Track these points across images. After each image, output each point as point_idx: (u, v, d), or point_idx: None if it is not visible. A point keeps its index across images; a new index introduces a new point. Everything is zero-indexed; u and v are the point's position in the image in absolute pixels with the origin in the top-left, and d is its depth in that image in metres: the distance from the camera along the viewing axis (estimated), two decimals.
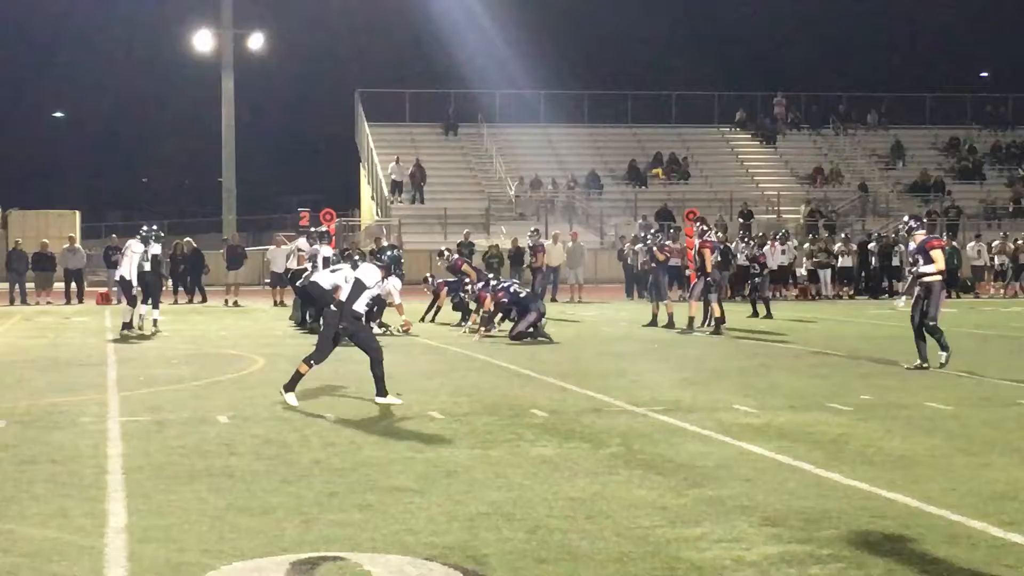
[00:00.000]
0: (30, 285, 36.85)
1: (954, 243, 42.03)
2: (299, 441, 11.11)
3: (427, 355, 19.66)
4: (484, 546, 7.42)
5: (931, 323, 16.94)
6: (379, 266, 13.91)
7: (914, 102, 63.65)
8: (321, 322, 14.02)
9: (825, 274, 39.42)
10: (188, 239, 38.72)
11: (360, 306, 13.42)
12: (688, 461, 10.12)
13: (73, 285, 36.85)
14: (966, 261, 41.70)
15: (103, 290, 37.25)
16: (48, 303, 35.83)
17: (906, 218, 18.75)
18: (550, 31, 73.92)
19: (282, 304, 33.38)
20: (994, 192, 56.92)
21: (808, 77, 70.13)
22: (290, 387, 13.43)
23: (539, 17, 72.46)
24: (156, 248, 24.31)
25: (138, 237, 23.93)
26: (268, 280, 36.35)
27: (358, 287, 13.39)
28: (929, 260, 17.02)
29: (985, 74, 76.15)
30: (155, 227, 24.88)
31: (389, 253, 15.00)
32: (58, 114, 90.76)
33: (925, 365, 16.99)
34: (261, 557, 7.17)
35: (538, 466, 9.92)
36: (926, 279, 17.05)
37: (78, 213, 52.87)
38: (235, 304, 34.65)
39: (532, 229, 38.30)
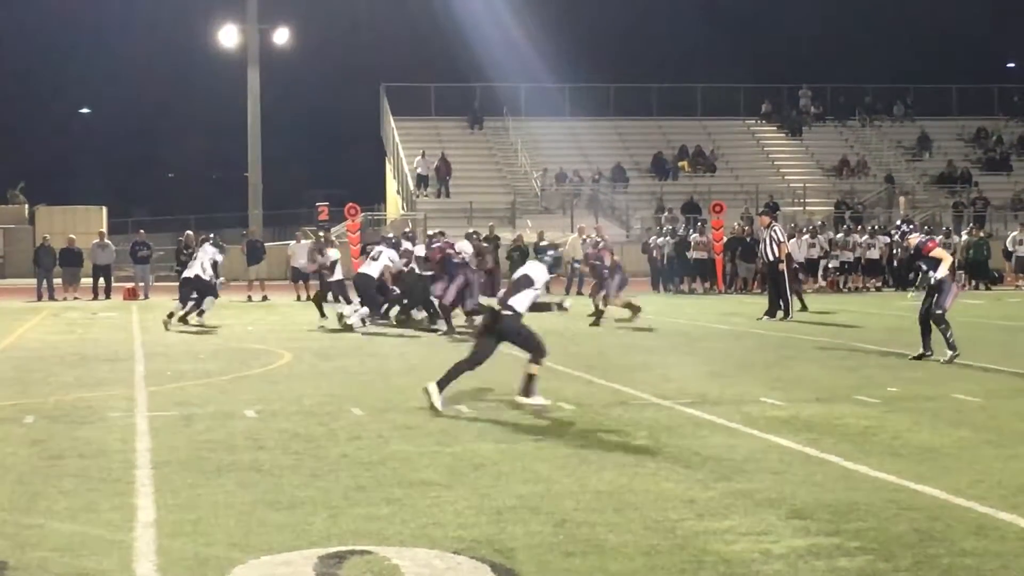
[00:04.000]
0: (57, 281, 37.01)
1: (982, 234, 41.76)
2: (326, 435, 11.13)
3: (452, 347, 19.62)
4: (511, 539, 7.42)
5: (938, 311, 16.75)
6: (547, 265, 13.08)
7: (940, 93, 63.36)
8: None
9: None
10: (189, 233, 39.12)
11: (521, 305, 12.68)
12: (715, 454, 10.10)
13: (101, 280, 37.00)
14: (996, 251, 41.26)
15: (130, 285, 37.39)
16: (75, 299, 35.97)
17: (898, 222, 18.75)
18: (574, 24, 73.81)
19: (308, 299, 33.39)
20: (1021, 183, 56.62)
21: (833, 69, 69.99)
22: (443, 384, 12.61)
23: (564, 10, 72.37)
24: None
25: (210, 240, 25.94)
26: (290, 275, 36.36)
27: (524, 282, 12.77)
28: (934, 262, 16.95)
29: (1012, 65, 75.71)
30: (212, 236, 27.82)
31: (551, 252, 13.57)
32: (84, 110, 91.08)
33: (928, 353, 16.94)
34: (289, 551, 7.19)
35: (565, 459, 9.92)
36: (937, 276, 16.98)
37: (104, 209, 53.06)
38: (263, 299, 34.71)
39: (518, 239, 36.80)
